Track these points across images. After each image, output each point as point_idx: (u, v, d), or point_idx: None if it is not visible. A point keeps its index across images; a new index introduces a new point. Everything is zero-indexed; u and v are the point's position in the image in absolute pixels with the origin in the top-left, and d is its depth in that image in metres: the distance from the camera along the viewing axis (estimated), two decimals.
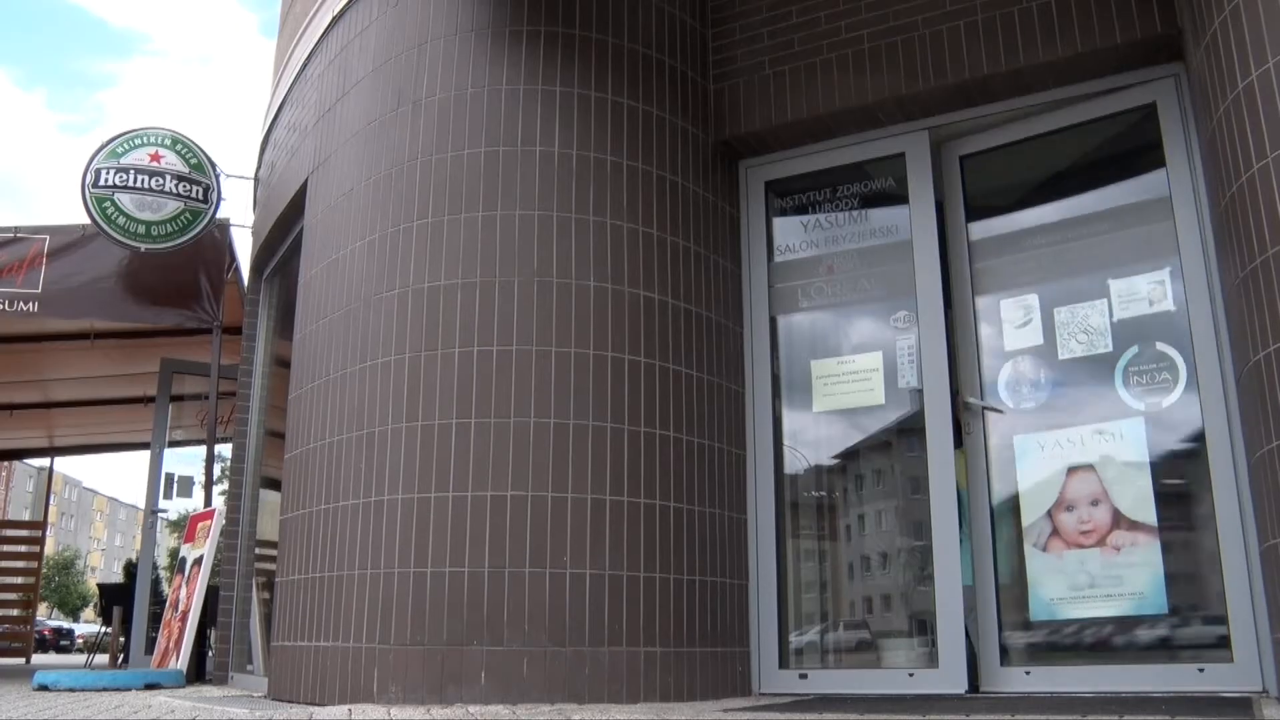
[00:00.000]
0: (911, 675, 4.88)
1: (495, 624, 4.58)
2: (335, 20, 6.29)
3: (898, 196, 5.41)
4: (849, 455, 5.49)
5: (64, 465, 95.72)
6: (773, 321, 5.65)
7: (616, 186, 5.21)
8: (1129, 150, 5.07)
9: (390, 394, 5.07)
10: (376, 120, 5.62)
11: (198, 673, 7.44)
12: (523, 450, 4.79)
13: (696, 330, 5.28)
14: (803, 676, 5.13)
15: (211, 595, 7.66)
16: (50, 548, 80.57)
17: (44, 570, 63.18)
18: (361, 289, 5.40)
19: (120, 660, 10.24)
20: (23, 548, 17.52)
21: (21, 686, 6.93)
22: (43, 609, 59.03)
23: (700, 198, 5.48)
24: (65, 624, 45.91)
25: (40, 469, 18.27)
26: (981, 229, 5.25)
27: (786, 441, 5.55)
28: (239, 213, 9.07)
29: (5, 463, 64.55)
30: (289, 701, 5.18)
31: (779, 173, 5.75)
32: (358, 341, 5.32)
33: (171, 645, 7.54)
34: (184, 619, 7.52)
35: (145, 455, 9.82)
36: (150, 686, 6.57)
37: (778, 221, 5.80)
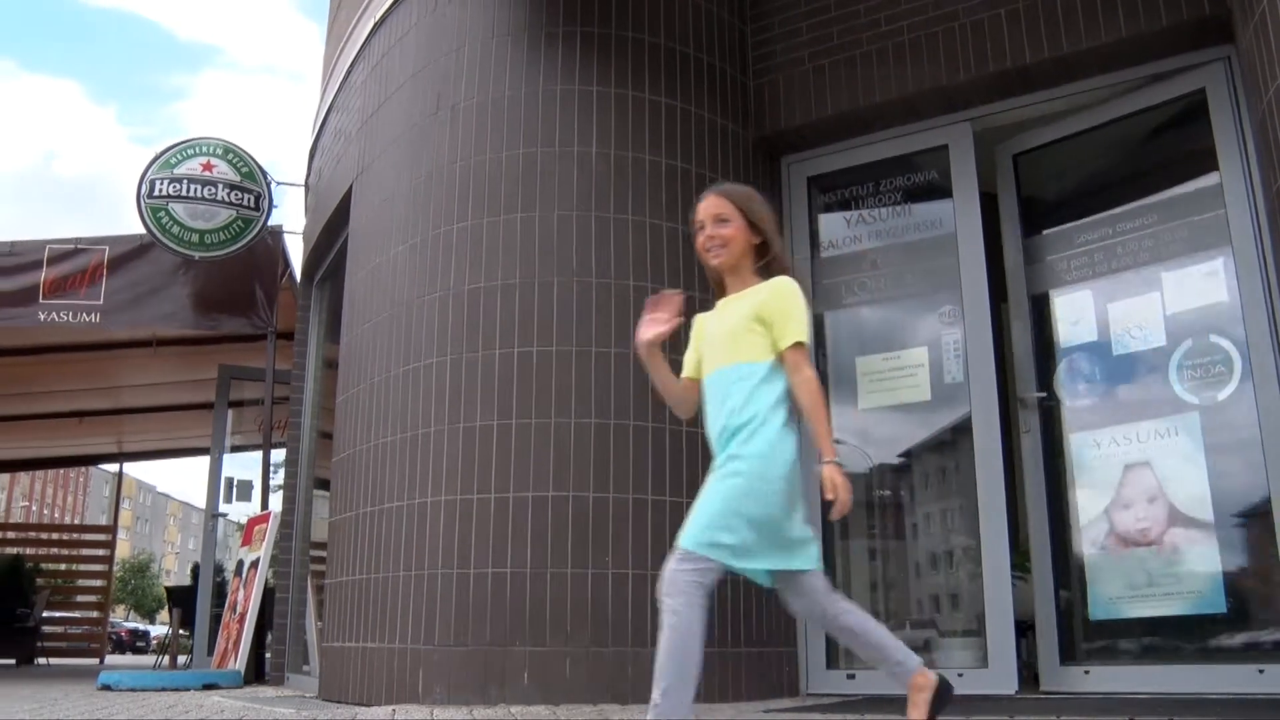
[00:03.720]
0: (961, 675, 4.79)
1: (537, 624, 4.59)
2: (376, 27, 6.34)
3: (941, 189, 5.32)
4: (897, 453, 5.42)
5: (138, 470, 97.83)
6: (817, 318, 5.59)
7: (655, 186, 5.18)
8: (1178, 139, 4.96)
9: (433, 396, 5.09)
10: (416, 125, 5.65)
11: (256, 673, 7.53)
12: (564, 451, 4.79)
13: None
14: (850, 677, 5.07)
15: (269, 597, 7.76)
16: (125, 551, 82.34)
17: (119, 573, 64.58)
18: (404, 293, 5.43)
19: (187, 661, 10.41)
20: (99, 551, 17.88)
21: (87, 686, 7.07)
22: (120, 611, 60.37)
23: None
24: (141, 626, 46.84)
25: (114, 474, 18.66)
26: (1035, 226, 5.18)
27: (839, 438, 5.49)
28: (294, 219, 9.19)
29: (80, 468, 66.03)
30: (338, 702, 5.23)
31: (821, 168, 5.69)
32: (401, 345, 5.35)
33: (230, 646, 7.65)
34: (242, 620, 7.63)
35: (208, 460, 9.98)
36: (208, 687, 6.68)
37: (821, 217, 5.75)
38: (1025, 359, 5.03)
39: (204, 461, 9.77)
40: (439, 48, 5.65)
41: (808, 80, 5.47)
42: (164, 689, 6.51)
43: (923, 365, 5.21)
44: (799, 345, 3.01)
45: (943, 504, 5.23)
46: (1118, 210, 4.98)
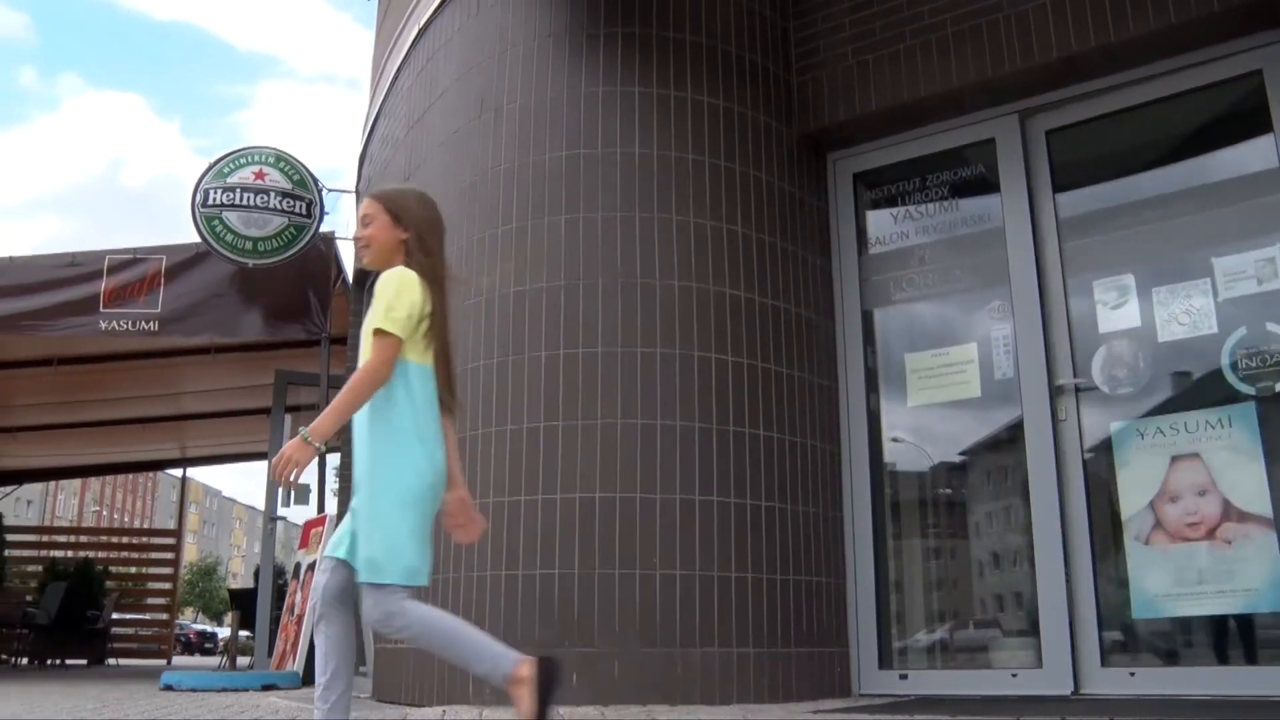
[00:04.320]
0: (1015, 676, 4.73)
1: (586, 625, 4.59)
2: (421, 33, 6.39)
3: (988, 183, 5.25)
4: (948, 450, 5.36)
5: (203, 475, 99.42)
6: (865, 315, 5.55)
7: (700, 185, 5.17)
8: (1232, 119, 4.83)
9: (480, 400, 5.12)
10: (461, 129, 5.68)
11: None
12: (611, 452, 4.79)
13: (786, 327, 5.21)
14: (903, 677, 5.02)
15: None
16: (193, 555, 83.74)
17: (187, 577, 65.56)
18: (450, 297, 5.45)
19: (250, 662, 10.56)
20: (166, 555, 18.21)
21: (151, 686, 7.21)
22: (188, 613, 61.41)
23: (786, 193, 5.41)
24: (209, 628, 47.61)
25: (180, 479, 18.96)
26: (1071, 206, 5.05)
27: (885, 437, 5.44)
28: (350, 225, 9.29)
29: (148, 474, 67.25)
30: (391, 702, 5.27)
31: (866, 164, 5.64)
32: None
33: (288, 648, 7.75)
34: (299, 622, 7.72)
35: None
36: (267, 687, 6.77)
37: (868, 214, 5.69)
38: (1062, 345, 4.90)
39: (264, 466, 9.89)
40: (482, 52, 5.68)
41: (851, 76, 5.43)
42: (224, 689, 6.61)
43: (972, 361, 5.14)
44: (378, 332, 2.90)
45: (995, 502, 5.17)
46: (1167, 192, 4.85)
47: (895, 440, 5.43)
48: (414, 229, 3.12)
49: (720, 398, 4.93)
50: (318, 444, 2.84)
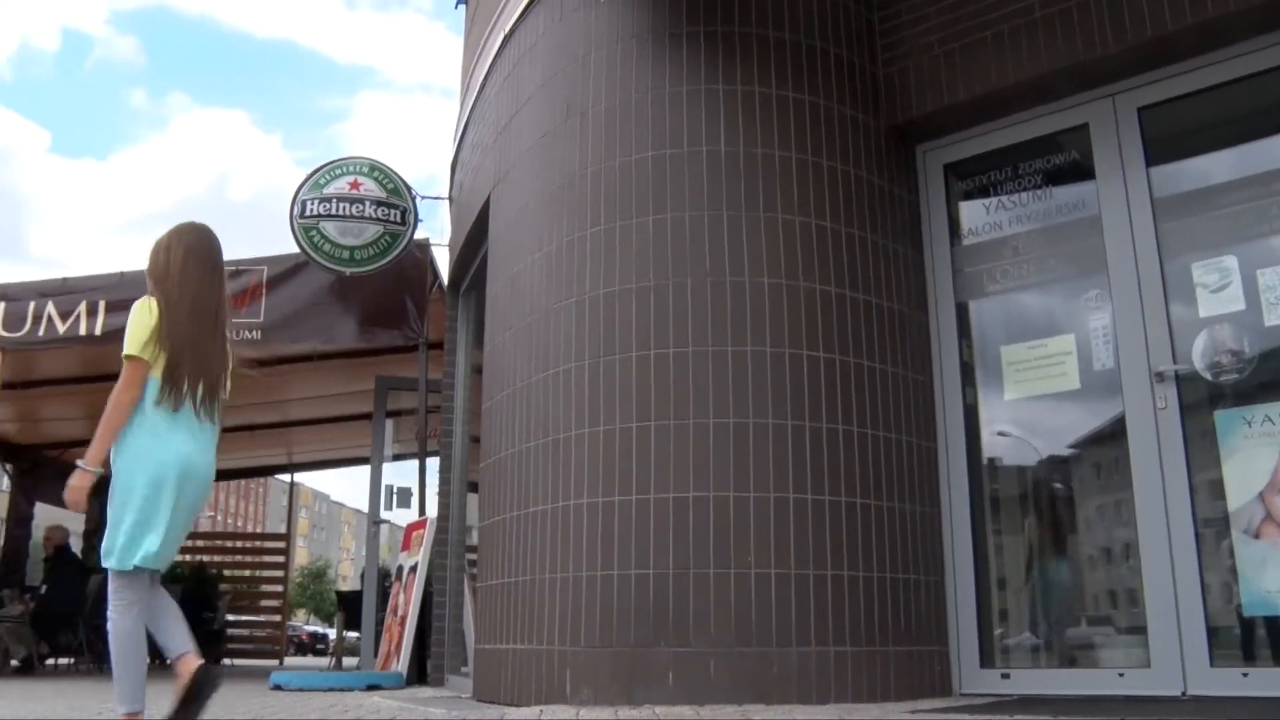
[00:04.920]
0: (1122, 675, 4.61)
1: (681, 625, 4.59)
2: (507, 39, 6.45)
3: (1082, 169, 5.11)
4: (1048, 444, 5.24)
5: (312, 480, 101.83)
6: (960, 308, 5.45)
7: (786, 181, 5.14)
8: None
9: (572, 401, 5.15)
10: (547, 133, 5.73)
11: (419, 675, 7.75)
12: (703, 451, 4.79)
13: (878, 321, 5.15)
14: (1005, 676, 4.92)
15: (429, 600, 7.97)
16: (304, 558, 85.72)
17: (298, 579, 67.03)
18: (541, 300, 5.51)
19: (358, 663, 10.78)
20: (277, 558, 18.67)
21: (261, 686, 7.40)
22: (300, 615, 62.87)
23: (875, 186, 5.34)
24: (320, 629, 48.69)
25: (290, 484, 19.51)
26: (1167, 186, 4.86)
27: (982, 431, 5.34)
28: (443, 232, 9.45)
29: (259, 479, 69.02)
30: (490, 702, 5.34)
31: (957, 154, 5.54)
32: (540, 351, 5.44)
33: (392, 649, 7.89)
34: (403, 623, 7.87)
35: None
36: (372, 688, 6.91)
37: (959, 205, 5.59)
38: (1161, 331, 4.72)
39: (368, 470, 10.07)
40: (566, 55, 5.72)
41: (938, 66, 5.34)
42: (330, 689, 6.76)
43: (1070, 352, 5.01)
44: (125, 358, 3.50)
45: (1100, 496, 5.03)
46: (1270, 169, 4.63)
47: (996, 435, 5.33)
48: (153, 274, 3.77)
49: (813, 395, 4.89)
50: (91, 469, 3.43)
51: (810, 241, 5.08)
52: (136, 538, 3.40)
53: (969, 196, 5.56)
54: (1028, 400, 5.18)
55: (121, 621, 3.45)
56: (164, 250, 3.80)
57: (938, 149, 5.59)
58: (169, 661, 3.43)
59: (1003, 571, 5.25)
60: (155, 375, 3.54)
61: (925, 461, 5.20)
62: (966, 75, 5.23)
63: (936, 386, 5.37)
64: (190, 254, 3.78)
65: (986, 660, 5.03)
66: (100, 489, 3.57)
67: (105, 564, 3.44)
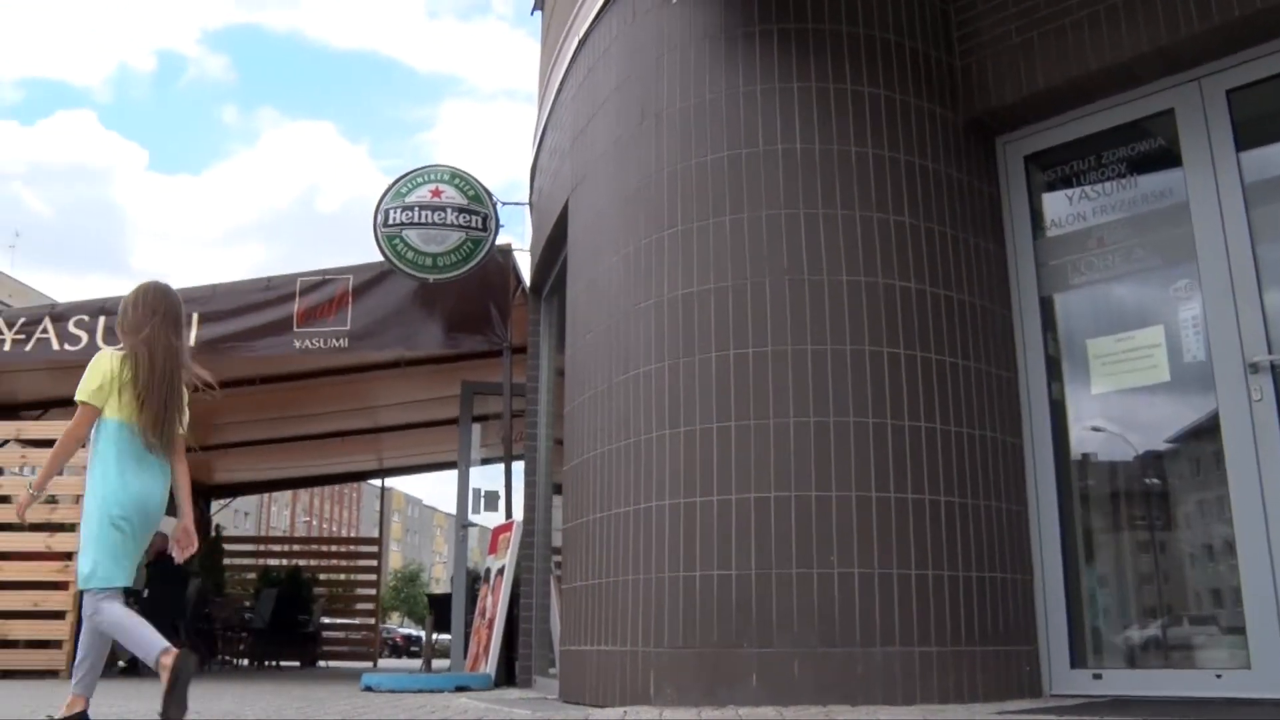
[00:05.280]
0: (1219, 677, 4.47)
1: (764, 625, 4.58)
2: (581, 44, 6.49)
3: (1169, 156, 4.98)
4: (1138, 438, 5.11)
5: (403, 484, 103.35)
6: (1044, 301, 5.35)
7: (863, 177, 5.09)
8: None
9: (653, 402, 5.17)
10: (623, 136, 5.75)
11: (507, 676, 7.82)
12: (784, 451, 4.77)
13: (959, 317, 5.08)
14: (1097, 677, 4.81)
15: (516, 602, 8.05)
16: (397, 562, 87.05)
17: (392, 583, 68.08)
18: (620, 302, 5.54)
19: (449, 665, 10.92)
20: (370, 562, 19.00)
21: (353, 688, 7.54)
22: (395, 618, 63.83)
23: (954, 180, 5.27)
24: (414, 631, 49.39)
25: (385, 489, 19.95)
26: (1257, 170, 4.68)
27: (1070, 426, 5.23)
28: (525, 237, 9.55)
29: (352, 484, 70.28)
30: (575, 703, 5.37)
31: (1037, 145, 5.44)
32: (620, 353, 5.46)
33: (481, 650, 7.99)
34: (490, 626, 7.95)
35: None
36: (460, 689, 6.99)
37: (1042, 196, 5.48)
38: (1253, 319, 4.57)
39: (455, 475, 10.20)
40: (640, 58, 5.74)
41: (1017, 55, 5.24)
42: (419, 691, 6.86)
43: (1159, 344, 4.89)
44: (77, 402, 4.01)
45: (1197, 492, 4.89)
46: None
47: (1084, 429, 5.22)
48: (123, 328, 4.20)
49: (894, 392, 4.84)
50: (35, 492, 4.18)
51: (889, 238, 5.04)
52: (104, 564, 3.90)
53: (1051, 188, 5.45)
54: (1116, 394, 5.07)
55: (106, 622, 3.91)
56: (131, 307, 4.22)
57: (1018, 140, 5.49)
58: (153, 664, 3.77)
59: (1094, 569, 5.14)
60: (119, 418, 4.01)
61: (1011, 458, 5.11)
62: (1046, 64, 5.12)
63: (1021, 381, 5.27)
64: (154, 311, 4.19)
65: (1078, 660, 4.93)
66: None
67: (83, 587, 3.93)
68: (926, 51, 5.39)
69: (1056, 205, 5.40)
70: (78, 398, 3.98)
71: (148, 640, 3.77)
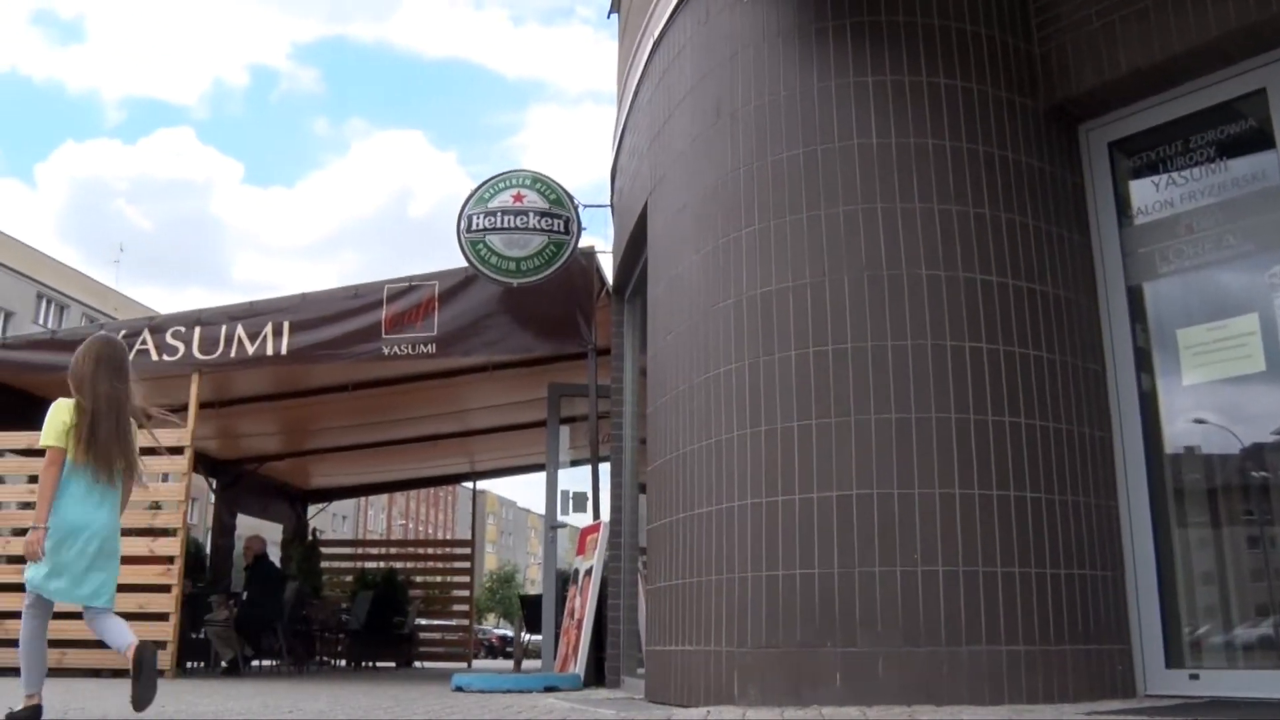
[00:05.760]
0: None
1: (847, 625, 4.54)
2: (656, 45, 6.51)
3: (1262, 138, 4.80)
4: (1234, 430, 4.96)
5: (497, 486, 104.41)
6: (1131, 291, 5.21)
7: (941, 170, 5.02)
8: None
9: (733, 402, 5.16)
10: (699, 136, 5.75)
11: (597, 676, 7.86)
12: (865, 448, 4.73)
13: (1042, 309, 4.98)
14: (1194, 677, 4.68)
15: (604, 602, 8.08)
16: (492, 563, 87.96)
17: (488, 584, 68.72)
18: (699, 301, 5.54)
19: (541, 666, 11.01)
20: (464, 564, 19.22)
21: (445, 688, 7.64)
22: (490, 619, 64.53)
23: (1035, 169, 5.17)
24: (509, 632, 49.89)
25: (478, 492, 20.32)
26: None
27: (1161, 419, 5.09)
28: (608, 239, 9.60)
29: (447, 487, 71.21)
30: (661, 703, 5.39)
31: (1121, 131, 5.30)
32: (699, 353, 5.46)
33: (570, 651, 8.04)
34: (579, 626, 8.00)
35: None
36: (549, 689, 7.05)
37: (1128, 183, 5.34)
38: None
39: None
40: (714, 57, 5.73)
41: (1098, 40, 5.12)
42: (509, 691, 6.93)
43: (1253, 333, 4.73)
44: (44, 446, 4.47)
45: None
46: None
47: (1176, 422, 5.08)
48: (72, 379, 4.64)
49: (976, 387, 4.77)
50: (39, 525, 4.38)
51: (969, 231, 4.96)
52: (50, 578, 4.39)
53: (1137, 174, 5.32)
54: (1209, 385, 4.92)
55: (30, 625, 4.48)
56: (80, 360, 4.66)
57: (1101, 127, 5.36)
58: (122, 653, 4.29)
59: (1189, 566, 4.99)
60: (70, 458, 4.47)
61: (1099, 452, 5.00)
62: (1128, 47, 4.99)
63: (1109, 374, 5.15)
64: (100, 362, 4.65)
65: (1173, 660, 4.79)
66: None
67: (28, 586, 4.44)
68: (1004, 40, 5.30)
69: (1143, 192, 5.26)
70: (43, 442, 4.49)
71: (34, 666, 4.43)
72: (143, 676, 4.21)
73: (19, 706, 4.32)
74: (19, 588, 8.97)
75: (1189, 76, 4.97)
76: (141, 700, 4.22)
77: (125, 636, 4.36)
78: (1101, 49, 5.09)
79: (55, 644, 8.89)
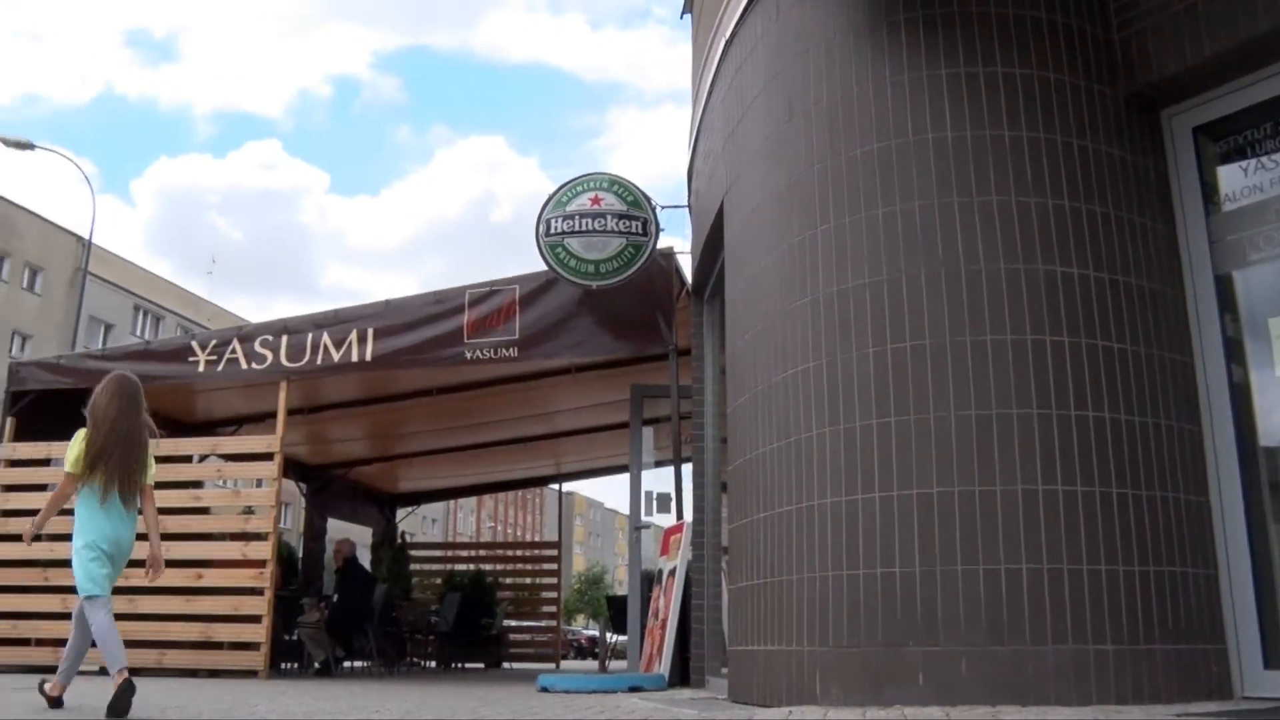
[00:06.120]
0: None
1: (929, 624, 4.49)
2: (728, 46, 6.50)
3: None
4: None
5: (586, 488, 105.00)
6: (1219, 280, 5.07)
7: (1019, 162, 4.94)
8: None
9: (811, 400, 5.14)
10: (772, 134, 5.74)
11: (682, 676, 7.87)
12: (945, 445, 4.67)
13: (1126, 301, 4.88)
14: None
15: (689, 601, 8.09)
16: (581, 565, 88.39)
17: (576, 585, 69.10)
18: (775, 301, 5.53)
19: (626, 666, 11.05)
20: (551, 565, 19.37)
21: (530, 689, 7.71)
22: (580, 620, 64.87)
23: (1116, 158, 5.06)
24: (599, 633, 50.13)
25: (565, 494, 20.45)
26: None
27: (1256, 411, 4.94)
28: (687, 240, 9.61)
29: (535, 489, 71.79)
30: (744, 703, 5.38)
31: (1206, 116, 5.15)
32: (777, 352, 5.45)
33: (654, 651, 8.06)
34: (663, 626, 8.02)
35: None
36: (634, 689, 7.07)
37: (1216, 169, 5.19)
38: None
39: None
40: (785, 55, 5.71)
41: (1179, 23, 4.99)
42: (594, 691, 6.97)
43: None
44: (65, 473, 5.26)
45: None
46: None
47: (1276, 415, 4.90)
48: (90, 412, 5.32)
49: (1059, 382, 4.69)
50: (33, 529, 5.42)
51: (1048, 223, 4.88)
52: (82, 579, 5.04)
53: (1224, 160, 5.17)
54: None
55: (95, 623, 5.02)
56: (98, 395, 5.33)
57: (1184, 112, 5.23)
58: (111, 674, 4.81)
59: None
60: (86, 480, 5.16)
61: (1188, 446, 4.87)
62: (1212, 29, 4.86)
63: (1198, 366, 5.01)
64: (114, 396, 5.30)
65: (1273, 661, 4.64)
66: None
67: (81, 594, 5.07)
68: (1081, 27, 5.19)
69: (1230, 178, 5.12)
70: (65, 469, 5.24)
71: (113, 652, 4.90)
72: (117, 702, 4.72)
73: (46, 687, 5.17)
74: (124, 589, 9.39)
75: (1277, 56, 4.82)
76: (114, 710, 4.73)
77: (121, 658, 4.88)
78: (1184, 32, 4.96)
79: (156, 645, 9.42)
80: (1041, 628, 4.38)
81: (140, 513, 5.41)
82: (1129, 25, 5.20)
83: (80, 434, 5.26)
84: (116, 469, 5.19)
